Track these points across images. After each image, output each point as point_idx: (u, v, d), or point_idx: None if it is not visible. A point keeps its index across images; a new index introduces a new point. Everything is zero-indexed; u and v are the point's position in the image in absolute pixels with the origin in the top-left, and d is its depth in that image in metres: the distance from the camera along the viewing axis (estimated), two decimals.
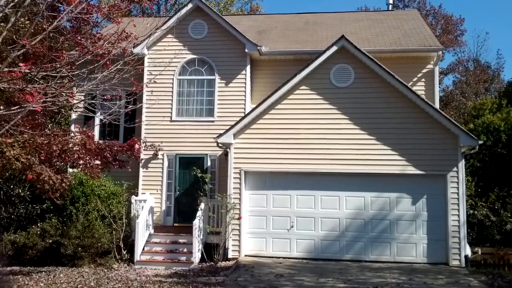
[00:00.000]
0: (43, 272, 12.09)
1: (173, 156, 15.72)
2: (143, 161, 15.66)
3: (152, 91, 15.09)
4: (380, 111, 13.46)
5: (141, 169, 15.70)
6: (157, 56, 15.70)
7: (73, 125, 16.36)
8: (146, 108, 15.61)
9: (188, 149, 15.63)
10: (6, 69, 7.77)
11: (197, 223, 13.17)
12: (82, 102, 13.70)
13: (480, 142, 13.32)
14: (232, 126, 13.79)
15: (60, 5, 10.53)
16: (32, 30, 8.85)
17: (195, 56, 16.12)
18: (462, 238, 12.78)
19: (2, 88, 8.30)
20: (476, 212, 16.17)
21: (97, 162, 12.30)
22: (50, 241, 13.18)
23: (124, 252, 13.44)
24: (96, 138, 15.25)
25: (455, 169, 12.99)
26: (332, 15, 20.41)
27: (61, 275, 11.67)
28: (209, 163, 15.52)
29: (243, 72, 15.86)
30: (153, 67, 15.38)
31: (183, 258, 13.21)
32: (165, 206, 15.57)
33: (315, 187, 13.58)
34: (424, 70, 15.91)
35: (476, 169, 18.24)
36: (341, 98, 13.65)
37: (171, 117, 15.91)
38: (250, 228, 13.71)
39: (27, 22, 10.23)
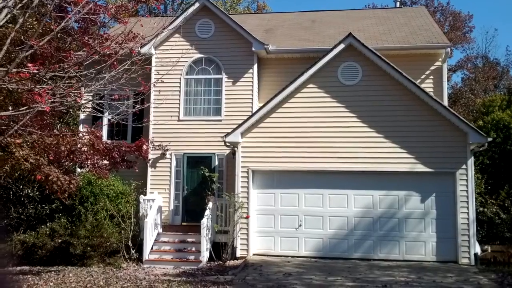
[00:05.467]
0: (53, 272, 12.15)
1: (181, 155, 15.74)
2: (151, 161, 15.69)
3: (159, 90, 15.12)
4: (388, 109, 13.40)
5: (149, 169, 15.75)
6: (164, 56, 15.73)
7: (81, 125, 16.42)
8: (154, 107, 15.65)
9: (196, 148, 15.65)
10: (14, 70, 7.81)
11: (205, 222, 13.18)
12: (90, 102, 13.76)
13: (490, 139, 13.23)
14: (240, 125, 13.78)
15: (67, 5, 10.57)
16: (40, 31, 8.90)
17: (202, 55, 16.13)
18: (472, 236, 12.70)
19: (10, 89, 8.35)
20: (485, 209, 16.04)
21: (105, 162, 12.35)
22: (59, 240, 13.24)
23: (133, 252, 13.49)
24: (104, 138, 15.34)
25: (464, 166, 12.91)
26: (339, 13, 20.37)
27: (70, 275, 11.72)
28: (216, 162, 15.53)
29: (250, 70, 15.85)
30: (161, 67, 15.40)
31: (192, 257, 13.24)
32: (173, 205, 15.60)
33: (323, 186, 13.55)
34: (432, 67, 15.81)
35: (485, 167, 18.08)
36: (349, 96, 13.61)
37: (178, 116, 15.94)
38: (258, 227, 13.71)
39: (35, 23, 10.31)
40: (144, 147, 13.96)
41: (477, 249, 12.92)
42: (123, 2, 11.89)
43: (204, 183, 14.68)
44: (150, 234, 13.53)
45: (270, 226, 13.69)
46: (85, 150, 11.55)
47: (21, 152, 10.13)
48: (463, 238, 12.71)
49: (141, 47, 14.79)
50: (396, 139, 13.25)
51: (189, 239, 13.92)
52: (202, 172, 14.34)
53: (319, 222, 13.50)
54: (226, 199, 13.85)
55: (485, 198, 16.51)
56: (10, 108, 9.53)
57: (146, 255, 13.28)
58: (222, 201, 14.11)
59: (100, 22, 11.05)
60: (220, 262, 13.05)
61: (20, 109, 8.30)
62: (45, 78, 8.25)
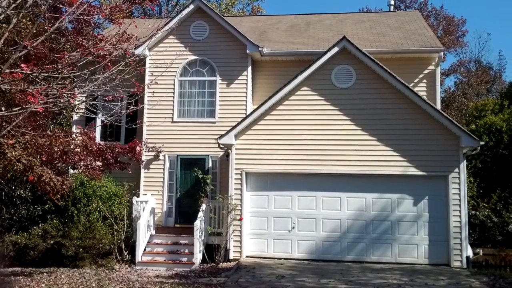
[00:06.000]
0: (45, 273, 12.10)
1: (174, 157, 15.72)
2: (144, 162, 15.65)
3: (153, 92, 15.09)
4: (382, 112, 13.45)
5: (142, 170, 15.71)
6: (159, 57, 15.70)
7: (74, 126, 16.35)
8: (148, 109, 15.61)
9: (190, 150, 15.63)
10: (7, 70, 7.78)
11: (199, 224, 13.17)
12: (84, 103, 13.72)
13: (482, 143, 13.31)
14: (234, 127, 13.79)
15: (61, 6, 10.56)
16: (34, 31, 8.88)
17: (196, 57, 16.13)
18: (464, 239, 12.76)
19: (3, 89, 8.32)
20: (478, 213, 16.14)
21: (98, 163, 12.31)
22: (52, 242, 13.19)
23: (126, 253, 13.44)
24: (98, 139, 15.28)
25: (456, 170, 12.98)
26: (334, 16, 20.41)
27: (63, 276, 11.68)
28: (210, 164, 15.52)
29: (245, 73, 15.86)
30: (155, 68, 15.35)
31: (185, 259, 13.21)
32: (166, 207, 15.56)
33: (316, 188, 13.58)
34: (426, 71, 15.88)
35: (478, 170, 18.20)
36: (343, 99, 13.65)
37: (172, 118, 15.92)
38: (252, 229, 13.71)
39: (29, 23, 10.28)
40: (138, 148, 13.92)
41: (469, 252, 12.99)
42: (117, 3, 11.88)
43: (198, 185, 14.67)
44: (143, 235, 13.50)
45: (263, 228, 13.70)
46: (78, 151, 11.52)
47: (13, 153, 10.08)
48: (455, 241, 12.77)
49: (135, 48, 14.78)
50: (389, 142, 13.31)
51: (182, 241, 13.90)
52: (196, 174, 14.32)
53: (312, 224, 13.52)
54: (219, 201, 13.83)
55: (477, 201, 16.62)
56: (3, 108, 9.49)
57: (138, 257, 13.24)
58: (216, 203, 14.10)
59: (94, 23, 11.04)
60: (213, 264, 13.03)
61: (13, 109, 8.26)
62: (39, 79, 8.22)
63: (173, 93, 16.00)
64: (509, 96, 26.47)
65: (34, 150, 10.61)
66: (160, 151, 15.62)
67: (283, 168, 13.64)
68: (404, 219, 13.22)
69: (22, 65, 8.05)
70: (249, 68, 15.90)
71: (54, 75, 8.21)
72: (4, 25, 9.61)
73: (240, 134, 13.83)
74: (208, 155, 15.51)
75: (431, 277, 11.31)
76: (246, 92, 15.75)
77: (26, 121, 10.18)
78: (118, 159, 12.83)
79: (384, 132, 13.36)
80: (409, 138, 13.25)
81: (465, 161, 13.12)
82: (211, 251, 13.34)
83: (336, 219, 13.44)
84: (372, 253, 13.20)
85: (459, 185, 12.93)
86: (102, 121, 15.42)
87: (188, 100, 16.06)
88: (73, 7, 8.80)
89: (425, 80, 15.84)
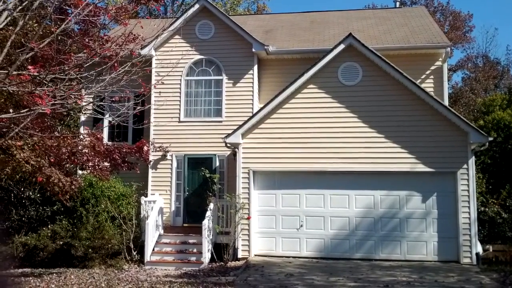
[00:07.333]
0: (54, 274, 12.16)
1: (181, 156, 15.75)
2: (152, 162, 15.69)
3: (160, 92, 15.14)
4: (389, 109, 13.40)
5: (150, 170, 15.75)
6: (165, 57, 15.74)
7: (82, 127, 16.42)
8: (154, 109, 15.65)
9: (197, 149, 15.65)
10: (15, 72, 7.82)
11: (207, 223, 13.18)
12: (91, 104, 13.77)
13: (490, 138, 13.20)
14: (240, 126, 13.79)
15: (67, 8, 10.60)
16: (41, 33, 8.91)
17: (202, 57, 16.15)
18: (473, 236, 12.69)
19: (11, 91, 8.36)
20: (487, 209, 16.00)
21: (106, 164, 12.36)
22: (61, 242, 13.25)
23: (134, 253, 13.49)
24: (105, 140, 15.35)
25: (465, 166, 12.91)
26: (339, 13, 20.36)
27: (72, 277, 11.73)
28: (217, 163, 15.54)
29: (251, 71, 15.86)
30: (161, 68, 15.39)
31: (193, 258, 13.23)
32: (174, 207, 15.60)
33: (324, 186, 13.54)
34: (433, 67, 15.81)
35: (486, 166, 18.06)
36: (349, 96, 13.61)
37: (179, 117, 15.95)
38: (260, 227, 13.71)
39: (35, 25, 10.33)
40: (145, 148, 13.97)
41: (479, 248, 12.92)
42: (123, 4, 11.92)
43: (205, 184, 14.69)
44: (151, 235, 13.53)
45: (271, 227, 13.69)
46: (86, 152, 11.57)
47: (22, 154, 10.14)
48: (464, 238, 12.70)
49: (142, 48, 14.82)
50: (397, 139, 13.25)
51: (191, 240, 13.93)
52: (203, 173, 14.34)
53: (320, 222, 13.50)
54: (227, 200, 13.85)
55: (486, 197, 16.47)
56: (11, 110, 9.54)
57: (147, 257, 13.27)
58: (223, 202, 14.12)
59: (100, 24, 11.07)
60: (222, 263, 13.05)
61: (21, 111, 8.30)
62: (46, 80, 8.25)
63: (180, 92, 16.03)
64: None
65: (42, 151, 10.66)
66: (167, 151, 15.66)
67: (291, 167, 13.62)
68: (413, 216, 13.16)
69: (29, 67, 8.08)
70: (255, 67, 15.89)
71: (61, 77, 8.25)
72: (11, 28, 9.67)
73: (247, 133, 13.83)
74: (215, 154, 15.53)
75: (441, 274, 11.26)
76: (252, 91, 15.75)
77: (34, 123, 10.24)
78: (126, 159, 12.88)
79: (391, 129, 13.30)
80: (417, 134, 13.19)
81: (473, 157, 13.04)
82: (219, 250, 13.35)
83: (345, 217, 13.42)
84: (381, 250, 13.15)
85: (467, 181, 12.86)
86: (110, 122, 15.46)
87: (194, 100, 16.08)
88: (79, 9, 8.84)
89: (432, 76, 15.77)
